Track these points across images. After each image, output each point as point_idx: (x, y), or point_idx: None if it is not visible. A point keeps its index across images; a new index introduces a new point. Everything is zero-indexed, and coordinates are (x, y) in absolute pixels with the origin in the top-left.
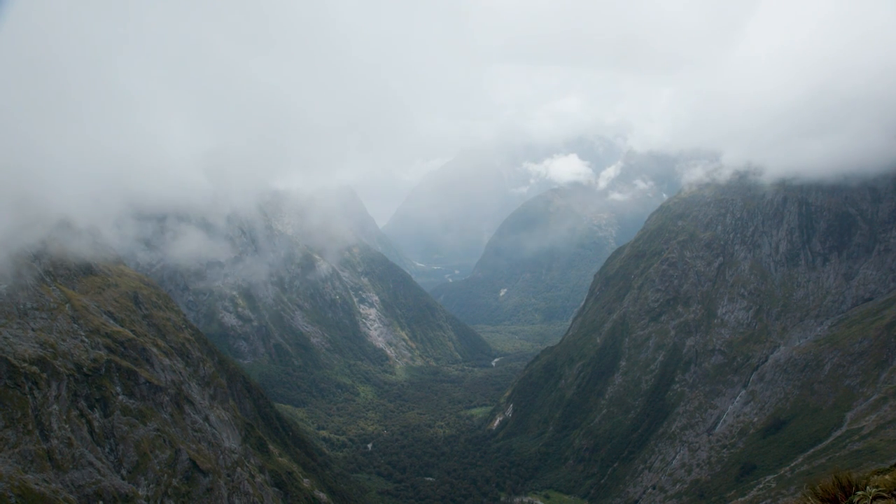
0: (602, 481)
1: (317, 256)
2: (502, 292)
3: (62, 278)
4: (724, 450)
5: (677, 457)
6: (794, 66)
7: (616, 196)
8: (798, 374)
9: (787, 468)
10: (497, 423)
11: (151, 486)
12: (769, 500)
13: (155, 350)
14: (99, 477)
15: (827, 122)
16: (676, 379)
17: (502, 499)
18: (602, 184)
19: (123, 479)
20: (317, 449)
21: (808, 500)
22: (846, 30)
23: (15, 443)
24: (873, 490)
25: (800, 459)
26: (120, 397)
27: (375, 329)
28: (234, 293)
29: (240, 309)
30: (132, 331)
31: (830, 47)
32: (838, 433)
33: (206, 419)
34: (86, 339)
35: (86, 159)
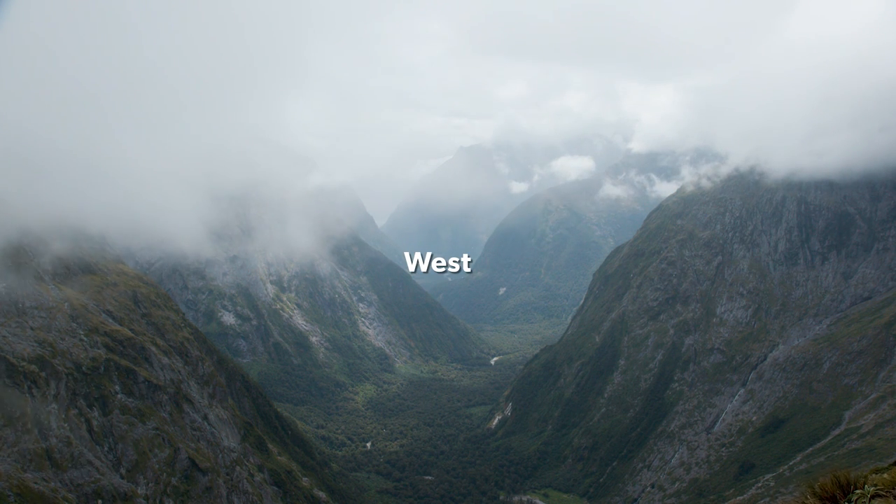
0: (601, 480)
1: (316, 255)
2: (501, 291)
3: (61, 277)
4: (723, 448)
5: (676, 455)
6: (805, 64)
7: (616, 195)
8: (797, 372)
9: (786, 467)
10: (496, 421)
11: (150, 484)
12: (768, 499)
13: (154, 349)
14: (98, 476)
15: (837, 120)
16: (675, 378)
17: (501, 497)
18: (602, 182)
19: (122, 477)
20: (316, 448)
21: (807, 498)
22: (858, 26)
23: (14, 441)
24: (872, 488)
25: (798, 458)
26: (119, 396)
27: (374, 328)
28: (233, 292)
29: (238, 308)
30: (131, 330)
31: (846, 43)
32: (837, 432)
33: (205, 418)
34: (85, 338)
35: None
